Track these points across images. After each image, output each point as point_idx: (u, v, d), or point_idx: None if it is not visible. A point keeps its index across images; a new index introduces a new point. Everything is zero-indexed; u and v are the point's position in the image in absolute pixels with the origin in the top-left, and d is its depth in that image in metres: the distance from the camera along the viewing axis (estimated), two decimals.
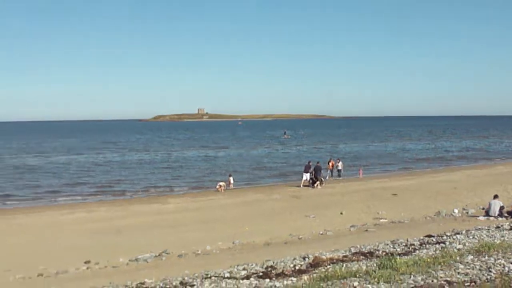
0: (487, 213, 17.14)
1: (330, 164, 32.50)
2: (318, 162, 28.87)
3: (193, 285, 6.90)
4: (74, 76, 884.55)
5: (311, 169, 27.99)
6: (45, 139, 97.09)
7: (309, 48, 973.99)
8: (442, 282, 5.81)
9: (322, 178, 28.04)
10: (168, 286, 7.16)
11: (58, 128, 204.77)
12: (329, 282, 6.14)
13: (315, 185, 27.39)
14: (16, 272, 11.78)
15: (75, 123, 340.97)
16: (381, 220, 17.60)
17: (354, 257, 8.56)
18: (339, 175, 32.66)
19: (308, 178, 27.87)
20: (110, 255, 13.11)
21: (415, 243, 9.75)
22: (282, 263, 8.44)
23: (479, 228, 11.29)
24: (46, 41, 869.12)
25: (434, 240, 10.02)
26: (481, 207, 18.98)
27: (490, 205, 17.15)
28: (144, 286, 7.46)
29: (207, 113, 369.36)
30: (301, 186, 27.90)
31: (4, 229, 18.03)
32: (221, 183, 27.34)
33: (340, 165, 32.81)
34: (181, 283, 7.21)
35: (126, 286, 7.92)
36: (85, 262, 12.77)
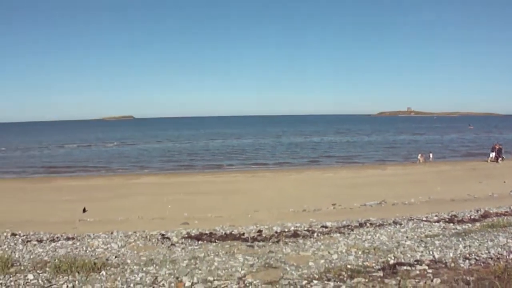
0: None
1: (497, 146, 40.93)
2: (500, 144, 40.28)
3: (401, 224, 10.45)
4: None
5: (496, 149, 38.69)
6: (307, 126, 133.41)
7: None
8: None
9: (502, 156, 38.45)
10: (385, 223, 10.70)
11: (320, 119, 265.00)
12: (494, 229, 8.82)
13: (498, 160, 37.60)
14: (292, 208, 17.32)
15: (324, 116, 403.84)
16: None
17: None
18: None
19: (494, 156, 38.15)
20: (348, 201, 18.43)
21: None
22: (462, 214, 12.25)
23: None
24: None
25: None
26: None
27: None
28: (369, 222, 10.98)
29: (413, 110, 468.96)
30: (488, 161, 38.11)
31: (284, 182, 27.23)
32: (420, 157, 39.09)
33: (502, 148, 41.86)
34: (393, 221, 10.86)
35: (358, 221, 11.33)
36: (332, 204, 18.12)
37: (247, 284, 5.72)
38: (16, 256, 8.04)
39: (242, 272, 6.26)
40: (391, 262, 6.57)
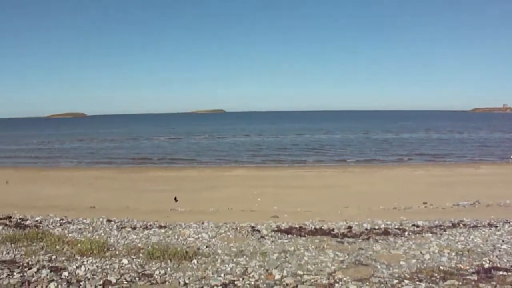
0: None
1: None
2: None
3: (497, 226, 9.79)
4: None
5: None
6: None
7: None
8: None
9: None
10: (479, 224, 10.15)
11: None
12: None
13: None
14: (382, 205, 16.84)
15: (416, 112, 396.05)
16: None
17: None
18: None
19: None
20: (440, 200, 17.51)
21: None
22: None
23: None
24: None
25: None
26: None
27: None
28: (463, 223, 10.43)
29: (509, 107, 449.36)
30: None
31: (374, 178, 26.61)
32: None
33: None
34: (488, 223, 10.19)
35: (450, 221, 10.80)
36: (423, 203, 17.41)
37: (337, 280, 5.73)
38: (111, 241, 8.59)
39: (332, 268, 6.31)
40: (486, 265, 6.38)
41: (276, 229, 9.69)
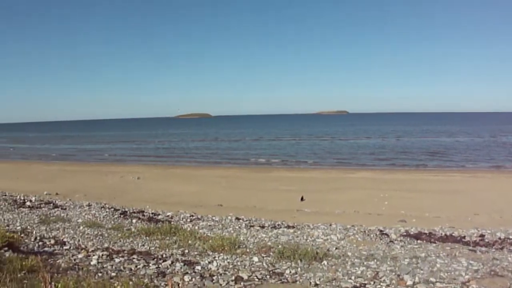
0: None
1: None
2: None
3: None
4: None
5: None
6: None
7: None
8: None
9: None
10: None
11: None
12: None
13: None
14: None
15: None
16: None
17: None
18: None
19: None
20: None
21: None
22: None
23: None
24: None
25: None
26: None
27: None
28: None
29: None
30: None
31: (506, 185, 23.80)
32: None
33: None
34: None
35: None
36: None
37: None
38: (241, 238, 8.94)
39: (466, 277, 6.25)
40: None
41: (404, 233, 9.75)
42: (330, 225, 10.73)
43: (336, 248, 8.06)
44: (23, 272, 5.48)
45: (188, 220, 11.97)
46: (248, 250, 7.91)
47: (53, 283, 4.43)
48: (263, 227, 10.53)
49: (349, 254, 7.61)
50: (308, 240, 8.79)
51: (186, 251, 7.98)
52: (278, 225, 10.85)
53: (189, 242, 8.70)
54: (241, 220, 11.69)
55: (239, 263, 7.03)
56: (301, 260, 6.99)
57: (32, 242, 8.50)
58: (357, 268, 6.65)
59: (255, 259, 7.19)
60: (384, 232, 9.72)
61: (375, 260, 7.14)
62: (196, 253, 7.81)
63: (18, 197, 16.10)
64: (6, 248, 6.83)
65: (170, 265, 6.88)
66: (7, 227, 10.17)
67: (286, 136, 78.90)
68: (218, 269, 6.70)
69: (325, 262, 6.97)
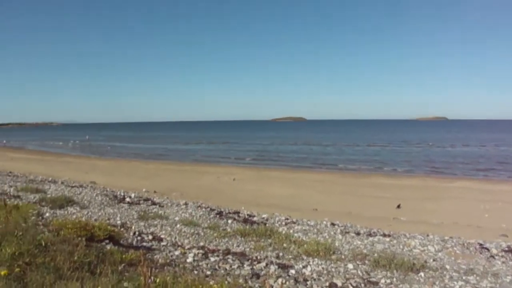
0: None
1: None
2: None
3: None
4: None
5: None
6: None
7: None
8: None
9: None
10: None
11: None
12: None
13: None
14: None
15: None
16: None
17: None
18: None
19: None
20: None
21: None
22: None
23: None
24: None
25: None
26: None
27: None
28: None
29: None
30: None
31: None
32: None
33: None
34: None
35: None
36: None
37: None
38: (336, 244, 9.01)
39: None
40: None
41: (506, 249, 9.28)
42: (427, 235, 10.42)
43: (433, 260, 7.85)
44: (123, 264, 5.89)
45: (283, 223, 12.21)
46: (343, 256, 7.97)
47: (152, 277, 4.72)
48: (358, 234, 10.49)
49: (447, 267, 7.40)
50: (404, 250, 8.62)
51: (281, 254, 8.22)
52: (374, 232, 10.74)
53: (284, 245, 8.93)
54: (336, 226, 11.72)
55: (333, 269, 7.12)
56: (396, 270, 6.93)
57: (131, 237, 9.18)
58: (455, 283, 6.48)
59: (350, 266, 7.24)
60: (484, 246, 9.31)
61: (475, 275, 6.90)
62: (290, 256, 8.01)
63: (118, 193, 17.32)
64: (107, 241, 7.44)
65: (264, 267, 7.13)
66: (108, 221, 11.07)
67: (379, 142, 76.68)
68: (312, 274, 6.85)
69: (422, 274, 6.83)
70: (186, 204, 15.15)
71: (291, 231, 10.85)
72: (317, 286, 6.25)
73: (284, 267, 7.18)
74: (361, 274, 6.86)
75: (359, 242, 9.27)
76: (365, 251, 8.42)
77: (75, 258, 5.48)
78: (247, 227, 11.12)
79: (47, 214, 11.19)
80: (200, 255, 7.67)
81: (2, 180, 20.16)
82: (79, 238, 6.74)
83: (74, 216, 11.24)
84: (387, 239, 9.75)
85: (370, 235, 10.38)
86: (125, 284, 4.83)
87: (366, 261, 7.52)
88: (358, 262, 7.50)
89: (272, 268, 7.07)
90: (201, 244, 9.01)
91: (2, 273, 4.68)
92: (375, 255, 7.75)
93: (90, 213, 12.35)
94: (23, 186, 17.55)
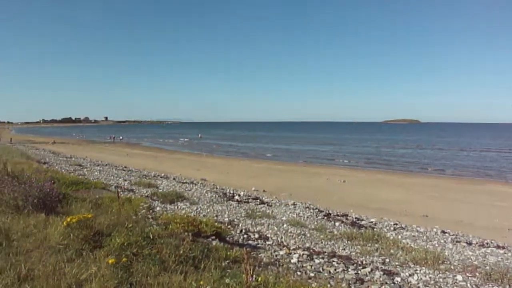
0: None
1: None
2: None
3: None
4: None
5: None
6: None
7: None
8: None
9: None
10: None
11: None
12: None
13: None
14: None
15: None
16: None
17: None
18: None
19: None
20: None
21: None
22: None
23: None
24: None
25: None
26: None
27: None
28: None
29: None
30: None
31: None
32: None
33: None
34: None
35: None
36: None
37: None
38: (446, 254, 8.65)
39: None
40: None
41: None
42: None
43: None
44: (227, 261, 6.03)
45: (392, 228, 11.95)
46: (452, 267, 7.64)
47: (254, 275, 4.83)
48: (470, 244, 9.96)
49: None
50: None
51: (387, 260, 8.07)
52: (487, 243, 10.12)
53: (391, 251, 8.76)
54: (447, 234, 11.23)
55: (441, 280, 6.86)
56: (510, 286, 6.54)
57: (237, 234, 9.48)
58: None
59: (459, 277, 6.94)
60: None
61: None
62: (397, 263, 7.85)
63: (227, 190, 17.97)
64: (213, 237, 7.70)
65: (369, 272, 7.06)
66: (215, 218, 11.54)
67: (493, 148, 70.75)
68: (418, 283, 6.65)
69: None
70: (294, 204, 15.34)
71: (399, 236, 10.60)
72: None
73: (389, 274, 7.06)
74: (469, 287, 6.55)
75: (470, 253, 8.81)
76: (476, 262, 8.00)
77: (181, 252, 5.74)
78: (354, 230, 11.04)
79: (158, 208, 11.94)
80: (305, 256, 7.77)
81: (117, 174, 21.92)
82: (186, 233, 7.03)
83: (183, 212, 11.89)
84: (501, 251, 9.16)
85: (482, 246, 9.81)
86: (227, 280, 4.95)
87: (477, 274, 7.15)
88: (468, 274, 7.15)
89: (377, 274, 6.99)
90: (307, 245, 9.12)
91: (110, 261, 5.05)
92: (487, 267, 7.34)
93: (199, 209, 12.98)
94: (137, 180, 18.94)
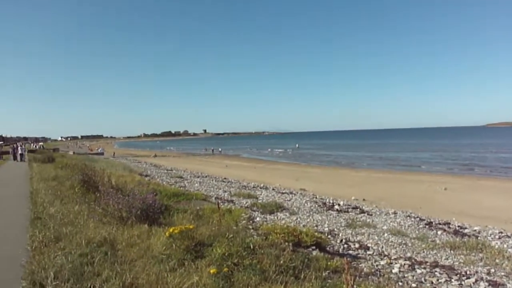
0: None
1: None
2: None
3: None
4: None
5: None
6: None
7: None
8: None
9: None
10: None
11: None
12: None
13: None
14: None
15: None
16: None
17: None
18: None
19: None
20: None
21: None
22: None
23: None
24: None
25: None
26: None
27: None
28: None
29: None
30: None
31: None
32: None
33: None
34: None
35: None
36: None
37: None
38: None
39: None
40: None
41: None
42: None
43: None
44: (328, 271, 6.04)
45: (496, 237, 11.37)
46: None
47: (355, 286, 4.75)
48: None
49: None
50: None
51: (492, 270, 7.77)
52: None
53: (496, 261, 8.41)
54: None
55: None
56: None
57: (337, 244, 9.47)
58: None
59: None
60: None
61: None
62: (503, 273, 7.54)
63: (327, 200, 17.88)
64: (313, 247, 7.73)
65: (473, 283, 6.85)
66: (315, 227, 11.59)
67: None
68: None
69: None
70: (395, 213, 15.05)
71: (505, 245, 10.09)
72: None
73: (495, 285, 6.83)
74: None
75: None
76: None
77: (281, 262, 5.80)
78: (457, 239, 10.68)
79: (258, 219, 12.22)
80: (406, 266, 7.68)
81: (217, 185, 22.63)
82: (286, 243, 7.11)
83: (283, 222, 12.00)
84: None
85: None
86: None
87: None
88: None
89: (482, 285, 6.79)
90: (408, 255, 8.99)
91: (212, 271, 5.20)
92: None
93: (298, 219, 13.05)
94: (236, 191, 19.39)
